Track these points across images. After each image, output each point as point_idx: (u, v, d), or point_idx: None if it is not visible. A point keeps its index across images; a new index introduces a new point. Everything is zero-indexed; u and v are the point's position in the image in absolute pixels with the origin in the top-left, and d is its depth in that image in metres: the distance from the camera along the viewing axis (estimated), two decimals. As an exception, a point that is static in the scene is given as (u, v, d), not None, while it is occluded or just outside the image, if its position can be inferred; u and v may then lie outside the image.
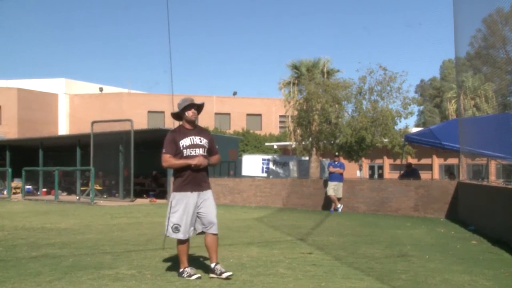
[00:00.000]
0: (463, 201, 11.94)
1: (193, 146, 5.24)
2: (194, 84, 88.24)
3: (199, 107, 5.37)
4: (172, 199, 5.25)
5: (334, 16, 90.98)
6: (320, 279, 5.28)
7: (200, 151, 5.26)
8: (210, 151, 5.38)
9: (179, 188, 5.22)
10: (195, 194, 5.21)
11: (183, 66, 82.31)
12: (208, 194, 5.34)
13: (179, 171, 5.23)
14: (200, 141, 5.29)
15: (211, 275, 5.20)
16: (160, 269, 5.72)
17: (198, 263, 6.06)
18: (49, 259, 6.44)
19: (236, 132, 37.64)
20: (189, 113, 5.28)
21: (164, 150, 5.20)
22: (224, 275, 5.10)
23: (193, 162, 5.16)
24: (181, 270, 5.24)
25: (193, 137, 5.28)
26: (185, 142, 5.22)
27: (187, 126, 5.34)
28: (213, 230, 5.25)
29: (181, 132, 5.28)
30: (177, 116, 5.41)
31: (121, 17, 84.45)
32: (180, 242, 5.21)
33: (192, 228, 5.23)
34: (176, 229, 5.14)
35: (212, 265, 5.22)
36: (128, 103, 39.72)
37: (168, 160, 5.21)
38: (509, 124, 8.96)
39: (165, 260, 6.30)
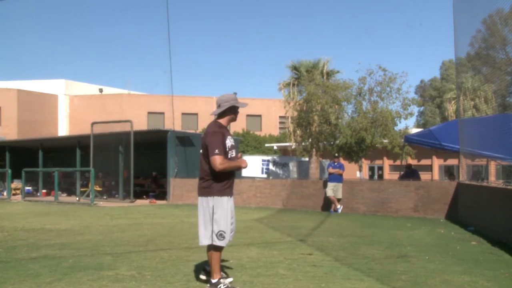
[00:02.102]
0: (463, 202, 11.93)
1: (232, 147, 4.92)
2: (194, 84, 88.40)
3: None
4: (212, 203, 4.81)
5: (334, 17, 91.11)
6: (320, 280, 5.28)
7: (235, 153, 4.96)
8: None
9: (220, 192, 4.81)
10: (231, 199, 4.93)
11: (183, 66, 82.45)
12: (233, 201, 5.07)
13: (225, 174, 4.81)
14: (234, 143, 5.01)
15: (203, 276, 5.10)
16: (160, 270, 5.72)
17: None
18: (49, 260, 6.44)
19: (236, 133, 37.65)
20: (235, 114, 5.04)
21: (217, 151, 4.67)
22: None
23: (244, 164, 4.91)
24: (215, 280, 4.78)
25: (230, 137, 4.95)
26: (229, 142, 4.86)
27: (225, 124, 4.99)
28: (232, 238, 5.03)
29: (224, 131, 4.89)
30: (222, 113, 4.97)
31: (121, 18, 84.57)
32: (219, 249, 4.82)
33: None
34: (221, 236, 4.76)
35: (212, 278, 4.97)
36: (128, 104, 39.74)
37: (224, 162, 4.70)
38: (509, 125, 8.96)
39: (165, 261, 6.30)
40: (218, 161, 4.67)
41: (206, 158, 4.82)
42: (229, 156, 4.84)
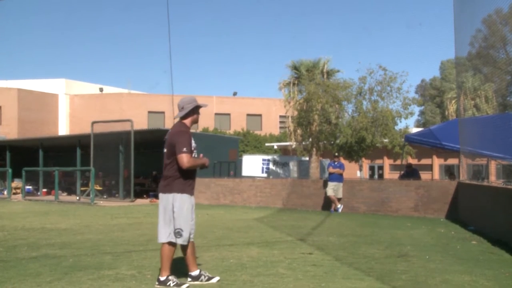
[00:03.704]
0: (463, 201, 11.94)
1: (195, 148, 5.11)
2: (194, 84, 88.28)
3: None
4: (172, 201, 4.92)
5: (334, 16, 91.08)
6: (320, 279, 5.28)
7: (197, 154, 5.13)
8: None
9: (183, 190, 4.95)
10: (192, 198, 5.05)
11: (183, 66, 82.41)
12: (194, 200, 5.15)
13: (187, 173, 4.95)
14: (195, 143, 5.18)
15: (194, 282, 5.02)
16: (160, 270, 5.72)
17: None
18: (49, 259, 6.44)
19: (236, 133, 37.64)
20: (197, 115, 5.21)
21: (185, 149, 4.84)
22: (184, 286, 4.91)
23: (207, 162, 5.11)
24: (163, 278, 4.87)
25: (193, 138, 5.15)
26: (193, 143, 5.03)
27: (189, 125, 5.14)
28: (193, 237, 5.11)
29: (190, 132, 5.08)
30: (188, 113, 5.11)
31: (121, 18, 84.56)
32: (170, 247, 4.91)
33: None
34: (179, 233, 4.86)
35: (197, 272, 5.05)
36: (128, 103, 39.74)
37: (190, 160, 4.88)
38: (509, 124, 8.95)
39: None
40: (186, 159, 4.85)
41: (171, 156, 4.96)
42: (193, 155, 5.02)
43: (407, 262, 6.35)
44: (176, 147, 4.89)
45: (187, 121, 5.14)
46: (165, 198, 4.97)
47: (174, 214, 4.90)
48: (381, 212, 13.82)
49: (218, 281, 5.07)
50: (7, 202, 19.04)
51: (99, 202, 18.35)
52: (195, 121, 5.21)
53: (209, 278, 5.05)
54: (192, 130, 5.21)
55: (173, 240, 4.89)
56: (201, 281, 5.02)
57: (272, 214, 13.73)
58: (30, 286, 4.93)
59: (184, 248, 5.01)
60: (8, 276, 5.37)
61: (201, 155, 5.19)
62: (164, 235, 4.92)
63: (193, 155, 5.01)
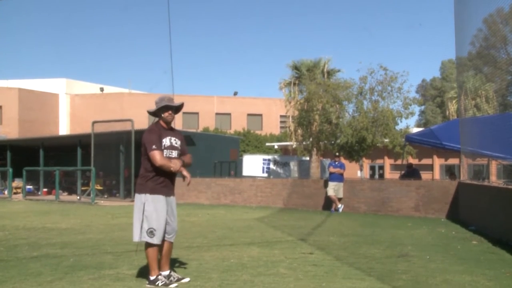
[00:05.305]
0: (464, 201, 11.93)
1: (171, 147, 5.07)
2: (195, 84, 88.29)
3: (177, 109, 5.22)
4: (144, 201, 4.95)
5: (334, 16, 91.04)
6: (321, 279, 5.28)
7: (175, 154, 5.11)
8: (182, 152, 5.22)
9: (153, 191, 4.96)
10: (166, 198, 5.03)
11: (183, 66, 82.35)
12: (174, 200, 5.17)
13: (159, 173, 4.97)
14: (176, 143, 5.13)
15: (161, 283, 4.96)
16: (161, 269, 5.71)
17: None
18: (50, 259, 6.45)
19: (236, 132, 37.63)
20: (165, 114, 5.10)
21: (154, 147, 4.88)
22: (173, 286, 4.91)
23: (176, 167, 4.97)
24: (153, 277, 4.93)
25: (171, 137, 5.10)
26: (166, 142, 5.04)
27: (164, 125, 5.15)
28: (173, 238, 5.14)
29: (161, 131, 5.08)
30: (154, 114, 5.19)
31: (122, 18, 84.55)
32: (152, 247, 4.95)
33: (164, 233, 5.01)
34: (151, 233, 4.89)
35: (167, 272, 5.04)
36: (129, 103, 39.72)
37: (161, 158, 4.89)
38: (510, 124, 8.94)
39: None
40: (157, 156, 4.89)
41: (145, 155, 5.03)
42: (165, 155, 5.01)
43: (408, 262, 6.35)
44: (146, 146, 4.98)
45: (161, 121, 5.16)
46: (138, 198, 5.03)
47: (146, 213, 4.93)
48: (382, 212, 13.82)
49: (176, 287, 4.94)
50: (7, 202, 19.05)
51: (100, 202, 18.36)
52: (163, 120, 5.14)
53: (167, 284, 4.92)
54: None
55: (146, 239, 4.93)
56: (157, 285, 4.91)
57: (272, 214, 13.73)
58: (31, 286, 4.94)
59: (160, 247, 5.03)
60: (9, 276, 5.37)
61: (182, 158, 5.15)
62: (137, 234, 4.98)
63: (166, 154, 5.01)
